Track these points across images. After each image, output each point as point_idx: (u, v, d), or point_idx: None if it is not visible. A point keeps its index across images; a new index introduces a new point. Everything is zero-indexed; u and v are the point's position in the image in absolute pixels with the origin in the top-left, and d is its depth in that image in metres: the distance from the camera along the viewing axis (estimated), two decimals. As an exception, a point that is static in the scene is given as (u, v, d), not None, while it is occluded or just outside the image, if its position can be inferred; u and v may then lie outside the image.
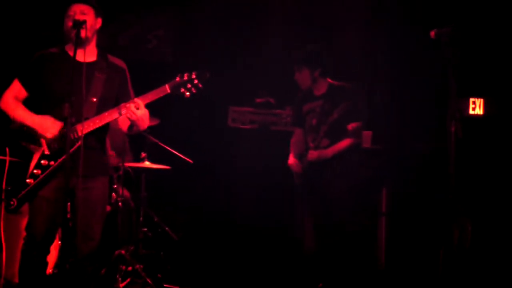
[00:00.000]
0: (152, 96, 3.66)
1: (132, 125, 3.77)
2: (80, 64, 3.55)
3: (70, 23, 3.61)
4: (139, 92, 3.74)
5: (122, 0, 6.50)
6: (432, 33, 3.67)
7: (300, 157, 5.10)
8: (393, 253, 5.70)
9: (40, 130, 3.61)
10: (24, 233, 3.65)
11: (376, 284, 5.45)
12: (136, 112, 3.60)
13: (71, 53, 3.66)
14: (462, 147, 3.57)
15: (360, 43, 6.20)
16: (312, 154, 4.97)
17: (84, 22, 3.56)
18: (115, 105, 3.70)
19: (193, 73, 3.69)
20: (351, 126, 4.93)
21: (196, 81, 3.68)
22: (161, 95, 3.67)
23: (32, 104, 3.75)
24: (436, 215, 5.22)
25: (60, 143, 3.58)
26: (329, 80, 5.07)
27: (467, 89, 5.03)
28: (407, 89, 5.95)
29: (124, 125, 3.84)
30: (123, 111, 3.62)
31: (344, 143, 4.95)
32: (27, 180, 3.57)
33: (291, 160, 5.16)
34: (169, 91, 3.67)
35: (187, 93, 3.68)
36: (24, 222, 3.70)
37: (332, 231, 4.92)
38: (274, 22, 6.47)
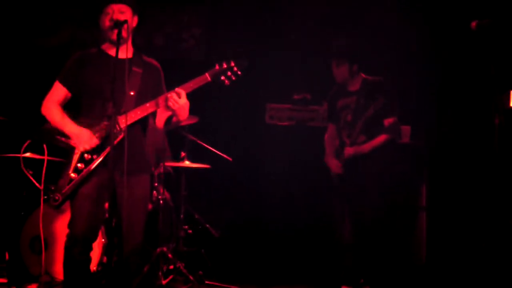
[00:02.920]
0: (193, 84, 3.66)
1: (170, 118, 3.77)
2: (120, 61, 3.55)
3: (107, 23, 3.62)
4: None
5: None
6: (473, 24, 3.62)
7: (337, 153, 5.07)
8: (434, 248, 5.65)
9: (76, 140, 3.60)
10: (67, 230, 3.64)
11: (417, 279, 5.41)
12: (178, 100, 3.59)
13: (108, 52, 3.72)
14: (505, 140, 3.52)
15: (390, 35, 6.14)
16: (348, 151, 4.94)
17: (126, 22, 3.55)
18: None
19: (231, 61, 3.71)
20: (387, 121, 4.89)
21: (235, 69, 3.69)
22: (202, 83, 3.67)
23: (73, 104, 3.77)
24: (479, 210, 5.16)
25: (101, 138, 3.60)
26: (363, 75, 5.04)
27: (508, 81, 4.95)
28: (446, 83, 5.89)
29: (160, 122, 3.83)
30: (165, 100, 3.61)
31: (381, 138, 4.90)
32: (72, 175, 3.56)
33: (329, 159, 5.14)
34: (209, 79, 3.67)
35: (227, 81, 3.69)
36: (66, 219, 3.69)
37: (370, 227, 4.89)
38: (309, 17, 6.44)
